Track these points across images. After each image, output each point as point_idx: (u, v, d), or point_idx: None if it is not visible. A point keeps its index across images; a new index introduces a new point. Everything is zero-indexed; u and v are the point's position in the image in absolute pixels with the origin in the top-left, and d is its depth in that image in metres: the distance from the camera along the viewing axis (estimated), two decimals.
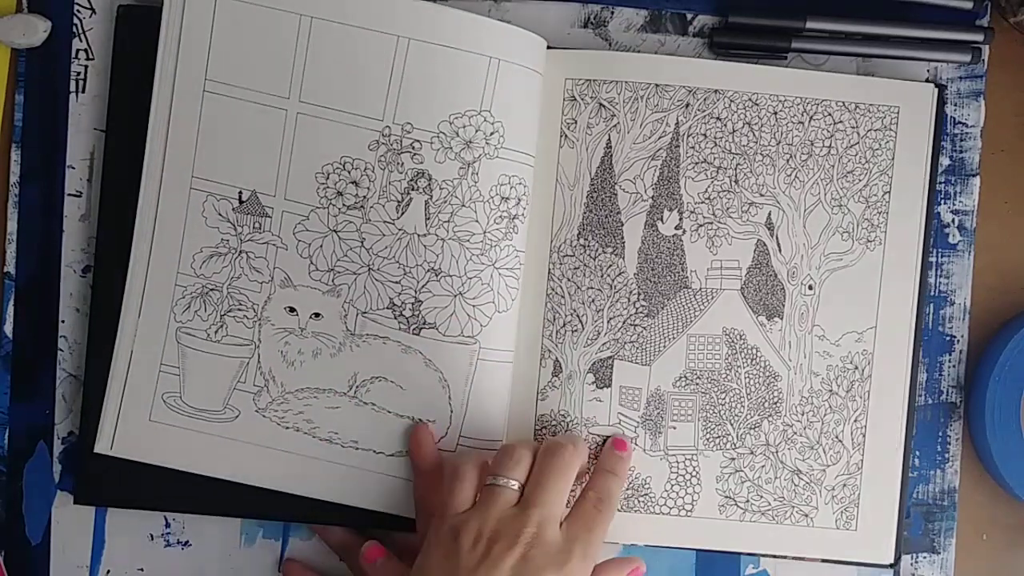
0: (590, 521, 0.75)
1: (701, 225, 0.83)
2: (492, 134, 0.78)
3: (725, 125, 0.82)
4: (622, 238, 0.82)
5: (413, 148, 0.78)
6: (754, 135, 0.82)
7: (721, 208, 0.83)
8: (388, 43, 0.78)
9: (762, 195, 0.82)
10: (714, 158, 0.82)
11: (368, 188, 0.78)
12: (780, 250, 0.83)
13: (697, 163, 0.82)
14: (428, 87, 0.78)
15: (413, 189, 0.78)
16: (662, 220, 0.82)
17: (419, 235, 0.79)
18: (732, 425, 0.83)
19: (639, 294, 0.83)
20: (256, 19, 0.78)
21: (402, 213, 0.79)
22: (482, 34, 0.78)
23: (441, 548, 0.72)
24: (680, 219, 0.82)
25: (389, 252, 0.79)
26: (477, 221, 0.79)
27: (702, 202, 0.83)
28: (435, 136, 0.78)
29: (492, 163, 0.79)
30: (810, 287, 0.83)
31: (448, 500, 0.75)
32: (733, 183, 0.82)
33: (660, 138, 0.82)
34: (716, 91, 0.82)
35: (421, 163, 0.78)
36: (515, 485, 0.75)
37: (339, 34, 0.78)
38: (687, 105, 0.82)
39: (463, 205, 0.78)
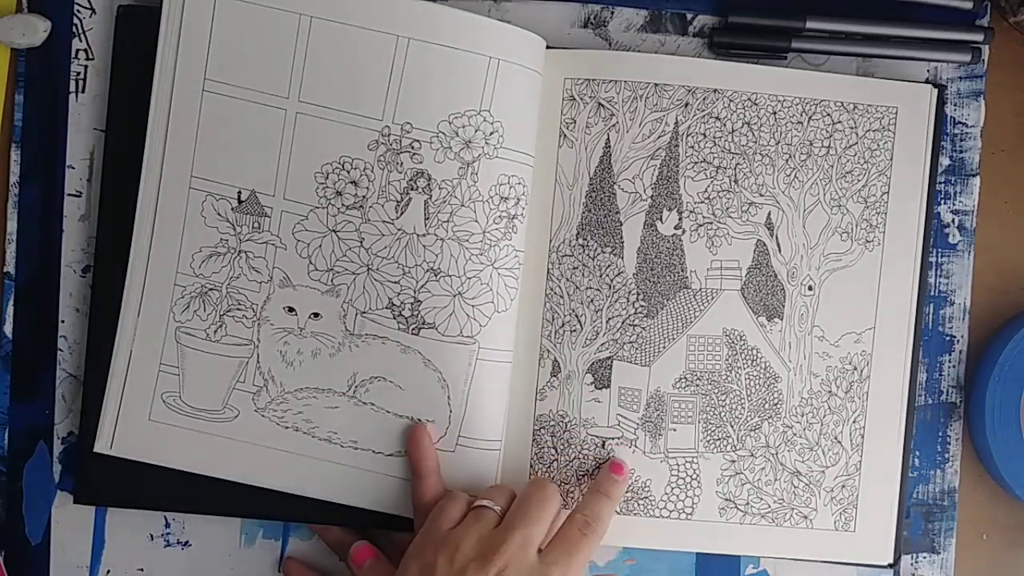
0: (572, 545, 0.75)
1: (701, 225, 0.83)
2: (492, 134, 0.79)
3: (724, 125, 0.83)
4: (621, 238, 0.83)
5: (412, 148, 0.78)
6: (753, 135, 0.83)
7: (721, 208, 0.83)
8: (388, 43, 0.78)
9: (761, 195, 0.83)
10: (713, 158, 0.83)
11: (367, 188, 0.79)
12: (780, 250, 0.83)
13: (696, 163, 0.83)
14: (428, 87, 0.78)
15: (412, 189, 0.79)
16: (661, 220, 0.83)
17: (418, 235, 0.79)
18: (732, 427, 0.84)
19: (638, 294, 0.83)
20: (256, 18, 0.78)
21: (401, 213, 0.79)
22: (482, 34, 0.79)
23: (419, 561, 0.73)
24: (679, 219, 0.83)
25: (388, 252, 0.79)
26: (476, 221, 0.79)
27: (701, 202, 0.83)
28: (434, 136, 0.78)
29: (491, 163, 0.79)
30: (810, 287, 0.84)
31: (435, 517, 0.75)
32: (732, 183, 0.83)
33: (659, 137, 0.83)
34: (715, 91, 0.83)
35: (420, 163, 0.79)
36: (498, 509, 0.75)
37: (339, 34, 0.78)
38: (686, 105, 0.83)
39: (462, 205, 0.79)
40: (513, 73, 0.79)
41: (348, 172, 0.79)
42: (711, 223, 0.83)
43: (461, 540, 0.73)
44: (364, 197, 0.79)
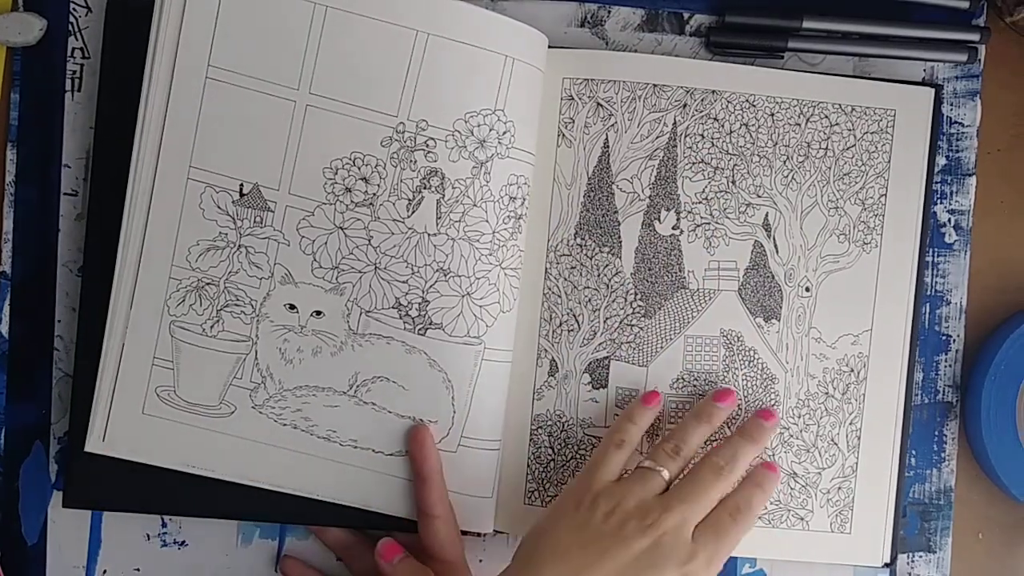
0: (722, 529, 0.79)
1: (699, 225, 0.87)
2: (504, 133, 0.82)
3: (722, 126, 0.87)
4: (619, 238, 0.87)
5: (427, 146, 0.81)
6: (751, 136, 0.87)
7: (718, 208, 0.87)
8: (406, 37, 0.81)
9: (759, 196, 0.87)
10: (711, 158, 0.87)
11: (379, 185, 0.81)
12: (777, 251, 0.87)
13: (694, 163, 0.87)
14: (445, 84, 0.81)
15: (425, 188, 0.81)
16: (659, 220, 0.87)
17: (429, 234, 0.82)
18: (729, 429, 0.87)
19: (636, 294, 0.87)
20: (265, 6, 0.81)
21: (413, 212, 0.82)
22: (499, 32, 0.82)
23: (575, 508, 0.78)
24: (677, 219, 0.87)
25: (398, 251, 0.82)
26: (487, 221, 0.82)
27: (699, 202, 0.87)
28: (450, 134, 0.81)
29: (503, 163, 0.82)
30: (807, 289, 0.88)
31: (596, 465, 0.81)
32: (730, 183, 0.87)
33: (657, 138, 0.87)
34: (713, 92, 0.87)
35: (435, 161, 0.81)
36: (666, 476, 0.80)
37: (355, 26, 0.81)
38: (684, 105, 0.87)
39: (475, 205, 0.82)
40: (524, 72, 0.83)
41: (359, 168, 0.81)
42: (709, 224, 0.87)
43: (624, 497, 0.78)
44: (375, 194, 0.81)
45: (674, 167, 0.87)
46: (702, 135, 0.87)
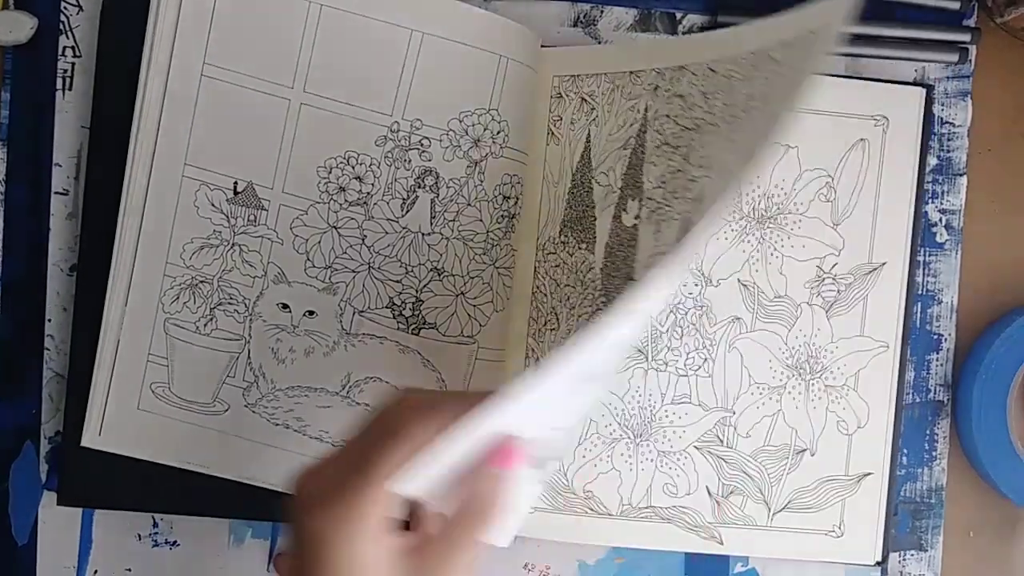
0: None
1: (653, 211, 0.84)
2: (498, 133, 0.83)
3: (685, 100, 0.83)
4: (594, 233, 0.86)
5: (422, 145, 0.82)
6: (707, 106, 0.82)
7: (671, 191, 0.83)
8: (402, 36, 0.82)
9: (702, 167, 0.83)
10: (673, 139, 0.84)
11: (373, 184, 0.82)
12: None
13: (659, 146, 0.84)
14: (440, 83, 0.82)
15: (420, 187, 0.82)
16: (626, 211, 0.85)
17: (423, 234, 0.83)
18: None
19: (602, 289, 0.86)
20: (261, 4, 0.81)
21: (407, 211, 0.83)
22: (493, 31, 0.83)
23: None
24: (639, 208, 0.85)
25: (391, 250, 0.83)
26: (481, 220, 0.83)
27: (657, 187, 0.84)
28: (444, 134, 0.82)
29: (497, 162, 0.83)
30: None
31: None
32: (684, 161, 0.83)
33: (631, 126, 0.86)
34: (681, 68, 0.83)
35: (429, 161, 0.82)
36: None
37: (351, 24, 0.81)
38: (656, 88, 0.85)
39: (468, 204, 0.83)
40: (518, 71, 0.84)
41: (353, 167, 0.82)
42: (660, 208, 0.84)
43: None
44: (369, 194, 0.82)
45: (643, 154, 0.86)
46: (667, 115, 0.85)
